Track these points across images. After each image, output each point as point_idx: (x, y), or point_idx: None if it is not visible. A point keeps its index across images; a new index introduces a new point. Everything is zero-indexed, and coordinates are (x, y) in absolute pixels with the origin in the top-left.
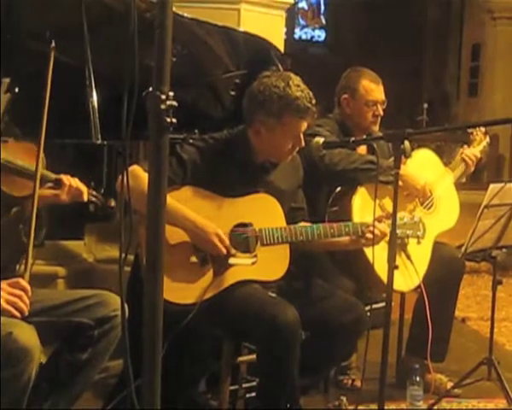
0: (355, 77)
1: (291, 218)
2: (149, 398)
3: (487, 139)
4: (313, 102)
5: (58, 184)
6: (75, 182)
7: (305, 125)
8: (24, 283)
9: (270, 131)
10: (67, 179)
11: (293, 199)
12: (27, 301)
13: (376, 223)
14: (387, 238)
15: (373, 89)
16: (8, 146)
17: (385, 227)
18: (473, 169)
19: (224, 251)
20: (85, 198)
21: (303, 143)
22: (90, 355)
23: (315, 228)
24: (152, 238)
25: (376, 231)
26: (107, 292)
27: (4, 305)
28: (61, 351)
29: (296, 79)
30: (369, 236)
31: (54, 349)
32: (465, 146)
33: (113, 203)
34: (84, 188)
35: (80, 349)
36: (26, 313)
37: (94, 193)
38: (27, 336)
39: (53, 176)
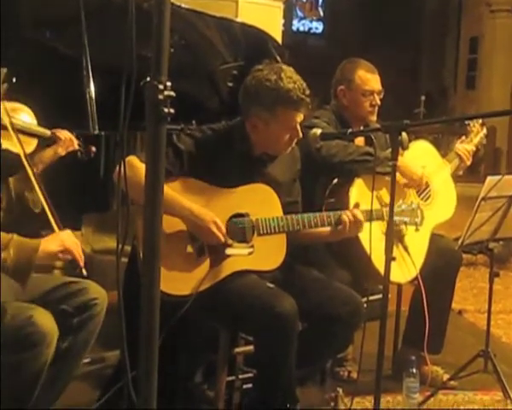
0: (350, 68)
1: (285, 211)
2: (146, 389)
3: (484, 131)
4: (307, 92)
5: (53, 139)
6: (67, 134)
7: (300, 117)
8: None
9: (266, 124)
10: (61, 133)
11: (290, 192)
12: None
13: (354, 209)
14: (384, 229)
15: (369, 78)
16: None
17: (359, 213)
18: (469, 163)
19: (222, 239)
20: (76, 146)
21: (300, 135)
22: (69, 344)
23: (311, 217)
24: (149, 229)
25: (350, 216)
26: (87, 281)
27: (72, 247)
28: None
29: (289, 71)
30: (344, 218)
31: None
32: (463, 137)
33: (93, 149)
34: (73, 137)
35: (60, 338)
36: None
37: (78, 142)
38: (45, 320)
39: (48, 132)
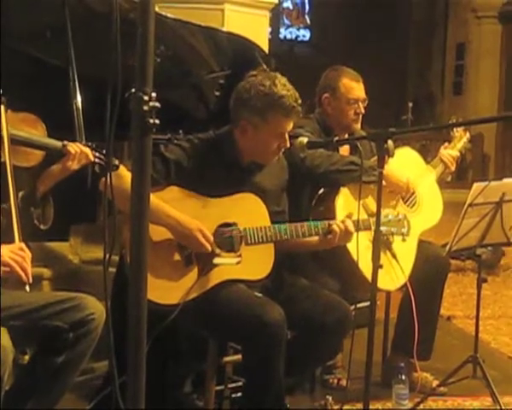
0: (335, 76)
1: (273, 221)
2: (134, 398)
3: (467, 135)
4: (299, 101)
5: (63, 153)
6: (79, 147)
7: (290, 125)
8: (26, 249)
9: (256, 129)
10: (72, 147)
11: (277, 201)
12: (30, 266)
13: (346, 220)
14: (371, 237)
15: (353, 87)
16: (8, 117)
17: (350, 223)
18: (453, 168)
19: (209, 247)
20: (92, 158)
21: (288, 144)
22: (66, 359)
23: (299, 226)
24: (136, 239)
25: (341, 226)
26: (85, 295)
27: (9, 261)
28: (37, 355)
29: (283, 79)
30: (335, 228)
31: (32, 353)
32: (446, 143)
33: (116, 162)
34: (87, 149)
35: (56, 353)
36: (30, 277)
37: (97, 154)
38: None
39: (59, 144)
